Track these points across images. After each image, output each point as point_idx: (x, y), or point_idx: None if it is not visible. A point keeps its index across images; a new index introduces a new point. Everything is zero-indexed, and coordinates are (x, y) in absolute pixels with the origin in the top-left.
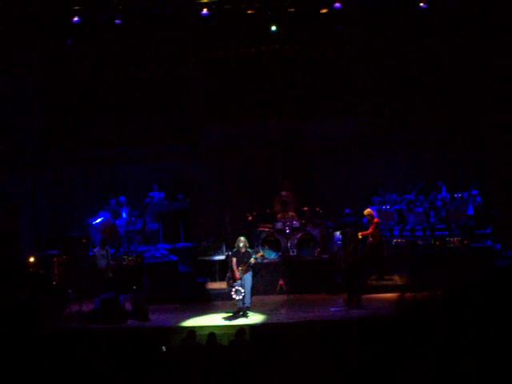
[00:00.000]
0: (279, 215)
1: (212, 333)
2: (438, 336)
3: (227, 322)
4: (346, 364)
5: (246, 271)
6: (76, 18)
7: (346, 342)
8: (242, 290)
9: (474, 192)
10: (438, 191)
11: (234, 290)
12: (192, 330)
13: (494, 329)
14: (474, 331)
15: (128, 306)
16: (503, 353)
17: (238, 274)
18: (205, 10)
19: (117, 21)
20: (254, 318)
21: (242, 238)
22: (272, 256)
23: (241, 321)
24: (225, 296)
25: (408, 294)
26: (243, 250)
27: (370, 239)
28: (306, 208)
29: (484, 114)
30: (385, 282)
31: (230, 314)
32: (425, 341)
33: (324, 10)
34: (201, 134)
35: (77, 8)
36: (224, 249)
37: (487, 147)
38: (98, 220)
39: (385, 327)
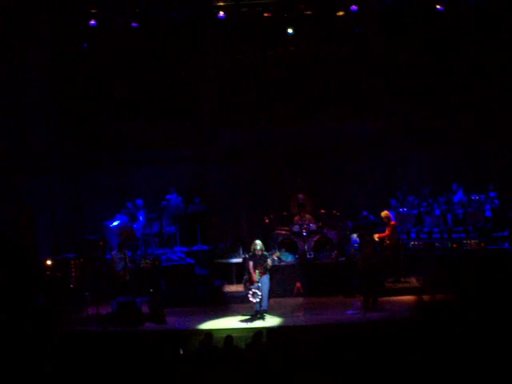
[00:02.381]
0: (296, 218)
1: (229, 335)
2: (456, 337)
3: (244, 325)
4: (362, 367)
5: (262, 274)
6: (93, 21)
7: (362, 345)
8: (259, 293)
9: (492, 194)
10: (454, 193)
11: (250, 292)
12: (209, 332)
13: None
14: (492, 332)
15: (145, 309)
16: None
17: (254, 277)
18: (221, 13)
19: (133, 24)
20: (271, 321)
21: (258, 241)
22: (289, 259)
23: (258, 323)
24: (242, 299)
25: (426, 296)
26: (260, 253)
27: (387, 241)
28: (322, 211)
29: (502, 115)
30: (402, 285)
31: (247, 317)
32: (443, 342)
33: (341, 13)
34: (217, 137)
35: (93, 11)
36: (241, 251)
37: (506, 148)
38: (115, 223)
39: (402, 330)
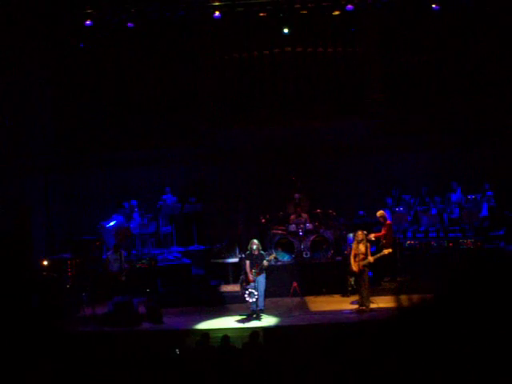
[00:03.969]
0: (292, 217)
1: (226, 335)
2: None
3: (241, 325)
4: (357, 366)
5: (259, 273)
6: (88, 22)
7: (358, 344)
8: (256, 293)
9: (489, 193)
10: (453, 192)
11: (247, 292)
12: (206, 332)
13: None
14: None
15: (142, 309)
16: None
17: (251, 277)
18: (217, 13)
19: (129, 24)
20: (268, 321)
21: (255, 241)
22: (285, 258)
23: (254, 323)
24: (238, 298)
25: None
26: (256, 253)
27: (383, 241)
28: (318, 210)
29: (498, 115)
30: (397, 284)
31: (244, 317)
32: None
33: (336, 12)
34: (214, 136)
35: (89, 11)
36: (237, 251)
37: (502, 148)
38: (112, 223)
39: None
